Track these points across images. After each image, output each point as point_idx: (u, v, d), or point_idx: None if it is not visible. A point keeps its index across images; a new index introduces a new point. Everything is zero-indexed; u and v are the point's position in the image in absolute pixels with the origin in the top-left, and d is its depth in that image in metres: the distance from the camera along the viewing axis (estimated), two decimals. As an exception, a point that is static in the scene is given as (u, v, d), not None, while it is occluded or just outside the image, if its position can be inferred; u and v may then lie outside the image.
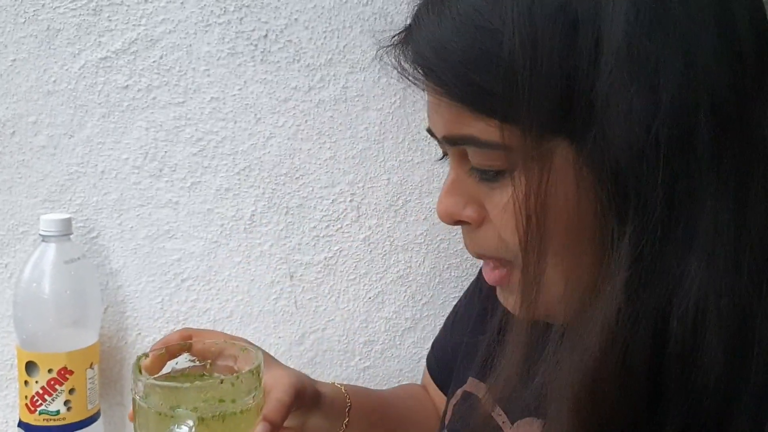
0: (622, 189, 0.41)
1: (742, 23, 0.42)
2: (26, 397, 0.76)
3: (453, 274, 0.94)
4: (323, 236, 0.89)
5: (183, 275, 0.86)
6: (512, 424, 0.58)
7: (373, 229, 0.91)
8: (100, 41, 0.80)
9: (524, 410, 0.56)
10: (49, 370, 0.75)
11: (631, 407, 0.43)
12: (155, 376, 0.59)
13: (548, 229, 0.43)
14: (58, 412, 0.76)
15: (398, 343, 0.94)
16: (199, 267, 0.86)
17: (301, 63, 0.85)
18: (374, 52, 0.85)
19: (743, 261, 0.41)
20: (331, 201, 0.89)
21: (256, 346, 0.63)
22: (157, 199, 0.84)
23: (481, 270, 0.62)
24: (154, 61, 0.82)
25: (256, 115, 0.85)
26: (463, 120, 0.45)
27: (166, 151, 0.83)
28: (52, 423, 0.76)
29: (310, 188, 0.88)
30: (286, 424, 0.58)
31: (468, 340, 0.70)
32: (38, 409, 0.76)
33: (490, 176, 0.46)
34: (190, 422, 0.52)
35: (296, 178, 0.87)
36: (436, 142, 0.51)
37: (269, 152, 0.86)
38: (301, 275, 0.89)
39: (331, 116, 0.87)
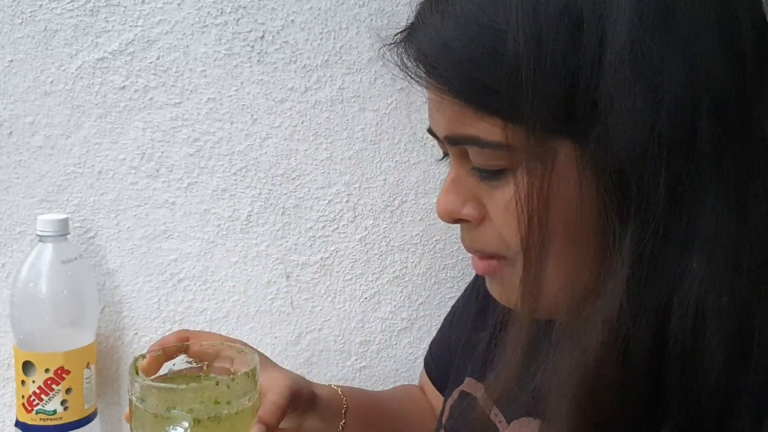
0: (624, 188, 0.41)
1: (744, 24, 0.42)
2: (23, 396, 0.76)
3: (449, 274, 0.95)
4: (319, 237, 0.90)
5: (180, 275, 0.86)
6: (508, 423, 0.58)
7: (369, 229, 0.91)
8: (97, 42, 0.80)
9: (521, 410, 0.57)
10: (46, 370, 0.75)
11: (631, 406, 0.43)
12: (152, 377, 0.59)
13: (550, 228, 0.43)
14: (54, 411, 0.76)
15: (394, 343, 0.94)
16: (196, 267, 0.87)
17: (298, 64, 0.85)
18: (371, 54, 0.86)
19: (743, 260, 0.41)
20: (327, 201, 0.89)
21: (253, 349, 0.63)
22: (153, 199, 0.84)
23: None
24: (151, 62, 0.82)
25: (252, 115, 0.85)
26: (465, 119, 0.45)
27: (162, 152, 0.84)
28: (48, 422, 0.76)
29: (307, 189, 0.88)
30: (282, 425, 0.59)
31: (466, 341, 0.70)
32: (35, 408, 0.76)
33: (492, 175, 0.46)
34: (186, 423, 0.52)
35: (293, 179, 0.88)
36: (433, 143, 0.51)
37: (266, 153, 0.86)
38: (297, 275, 0.90)
39: (328, 117, 0.87)
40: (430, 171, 0.91)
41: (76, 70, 0.80)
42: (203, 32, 0.82)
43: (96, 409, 0.81)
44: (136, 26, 0.81)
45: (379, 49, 0.50)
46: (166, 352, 0.61)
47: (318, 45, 0.85)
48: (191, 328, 0.77)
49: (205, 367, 0.62)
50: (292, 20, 0.84)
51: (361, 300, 0.92)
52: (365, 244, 0.91)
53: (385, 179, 0.90)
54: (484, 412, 0.60)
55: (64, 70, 0.80)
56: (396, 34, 0.49)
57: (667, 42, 0.40)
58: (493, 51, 0.42)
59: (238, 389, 0.55)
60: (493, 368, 0.55)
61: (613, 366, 0.42)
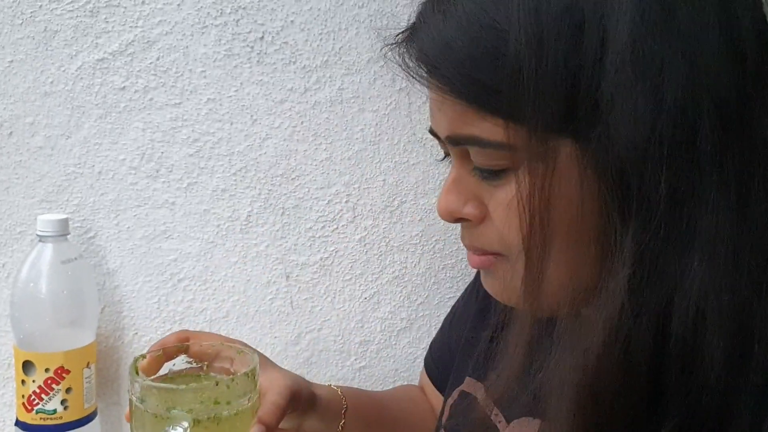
0: (626, 188, 0.41)
1: (744, 24, 0.42)
2: (23, 396, 0.76)
3: (448, 274, 0.95)
4: (319, 237, 0.90)
5: (179, 275, 0.86)
6: (509, 423, 0.58)
7: (368, 229, 0.91)
8: (97, 43, 0.80)
9: (521, 409, 0.57)
10: (46, 370, 0.76)
11: (632, 405, 0.43)
12: (152, 377, 0.59)
13: (552, 227, 0.44)
14: (54, 411, 0.76)
15: (394, 343, 0.94)
16: (196, 267, 0.87)
17: (297, 65, 0.85)
18: (370, 55, 0.87)
19: (743, 260, 0.41)
20: (327, 202, 0.89)
21: (253, 349, 0.63)
22: (153, 199, 0.84)
23: (479, 271, 0.62)
24: (150, 63, 0.82)
25: (252, 116, 0.85)
26: (467, 119, 0.45)
27: (162, 152, 0.84)
28: (49, 422, 0.76)
29: (306, 189, 0.88)
30: (282, 426, 0.59)
31: (466, 340, 0.70)
32: (35, 408, 0.76)
33: (493, 175, 0.46)
34: (185, 423, 0.53)
35: (292, 179, 0.88)
36: (432, 144, 0.51)
37: (265, 153, 0.86)
38: (297, 275, 0.90)
39: (327, 118, 0.87)
40: (430, 171, 0.91)
41: (76, 70, 0.80)
42: (203, 33, 0.82)
43: (96, 409, 0.81)
44: (136, 27, 0.81)
45: (380, 49, 0.50)
46: (166, 352, 0.61)
47: (317, 46, 0.86)
48: (191, 328, 0.77)
49: (205, 368, 0.62)
50: (292, 21, 0.85)
51: (360, 300, 0.92)
52: (365, 245, 0.91)
53: (384, 180, 0.90)
54: (484, 411, 0.60)
55: (64, 71, 0.80)
56: (398, 34, 0.49)
57: (668, 42, 0.40)
58: (494, 51, 0.42)
59: (238, 389, 0.55)
60: (493, 368, 0.55)
61: (614, 365, 0.42)
